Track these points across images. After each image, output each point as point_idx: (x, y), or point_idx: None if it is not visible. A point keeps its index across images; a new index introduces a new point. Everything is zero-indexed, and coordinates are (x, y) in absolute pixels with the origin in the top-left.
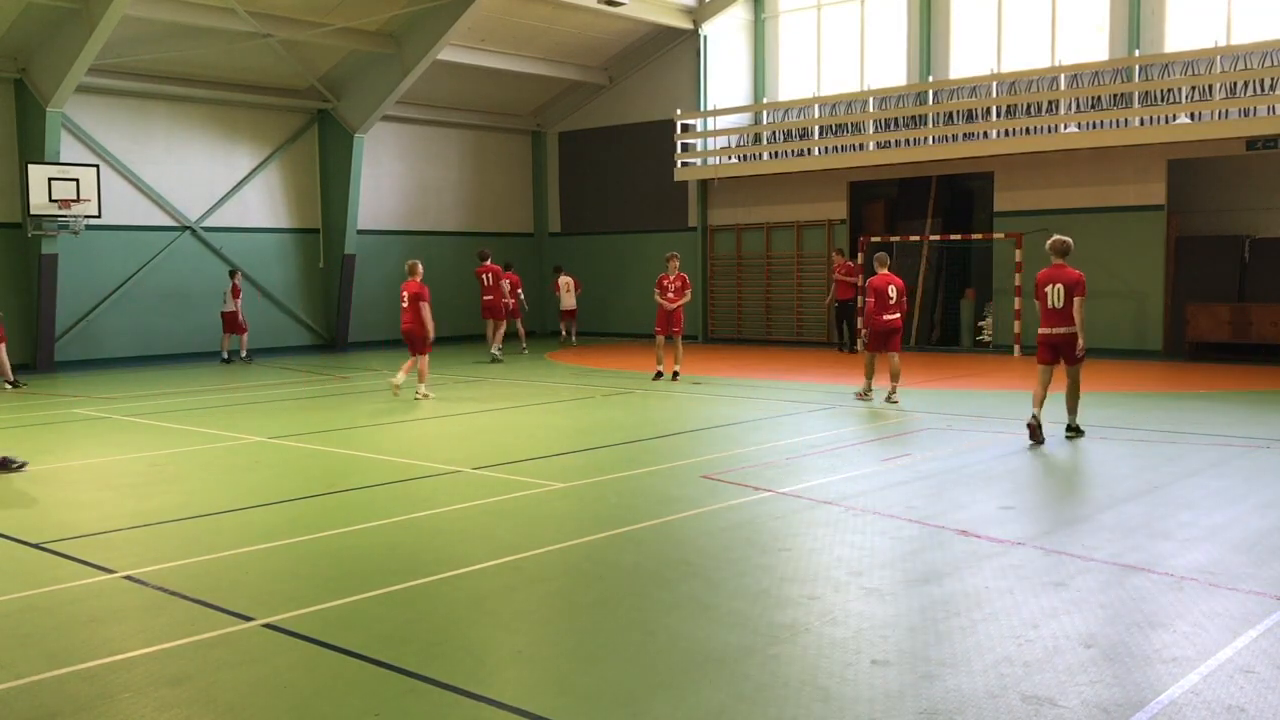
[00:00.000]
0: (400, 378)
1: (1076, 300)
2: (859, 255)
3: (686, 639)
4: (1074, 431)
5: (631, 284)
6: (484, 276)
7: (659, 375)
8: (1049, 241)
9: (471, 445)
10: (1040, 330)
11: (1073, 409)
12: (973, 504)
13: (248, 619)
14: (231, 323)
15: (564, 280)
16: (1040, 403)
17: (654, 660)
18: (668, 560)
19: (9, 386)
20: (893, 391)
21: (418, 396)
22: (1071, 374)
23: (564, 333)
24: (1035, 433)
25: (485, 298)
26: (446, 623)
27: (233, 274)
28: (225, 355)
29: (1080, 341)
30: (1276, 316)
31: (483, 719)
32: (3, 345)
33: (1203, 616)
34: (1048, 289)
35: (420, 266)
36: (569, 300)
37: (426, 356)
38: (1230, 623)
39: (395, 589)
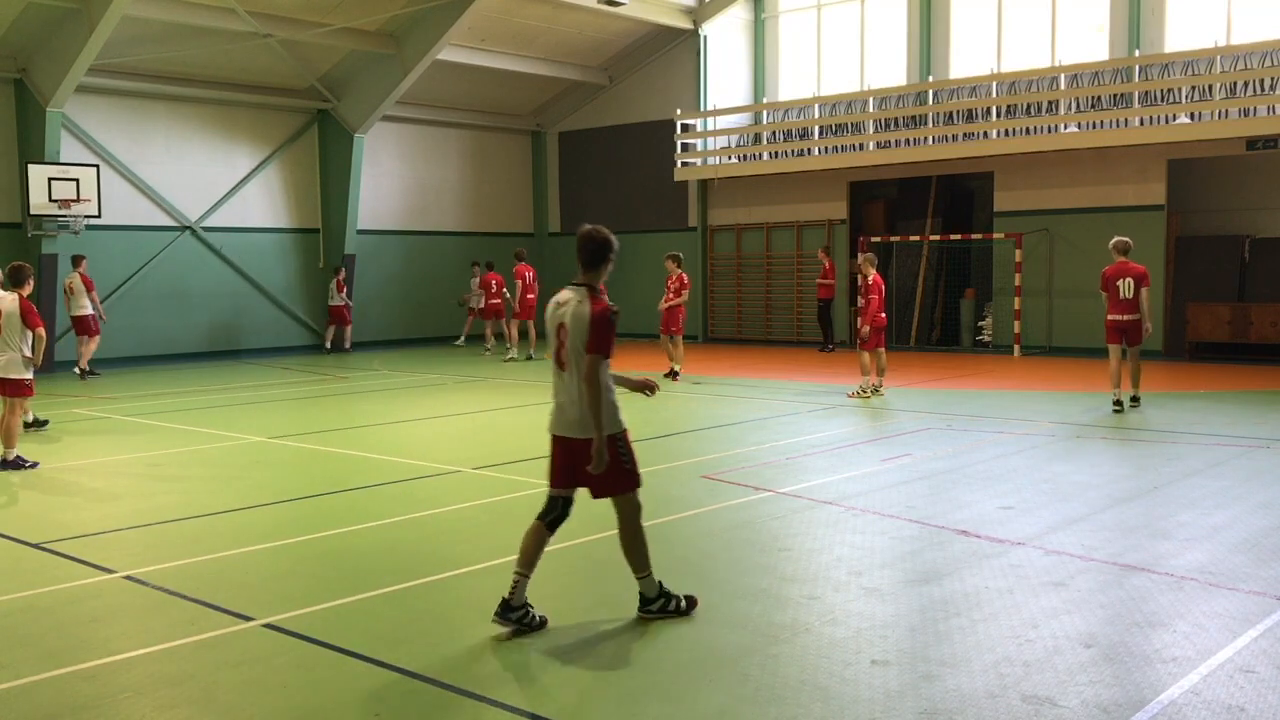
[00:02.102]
0: None
1: (1144, 291)
2: (858, 254)
3: (686, 639)
4: (1136, 402)
5: (631, 284)
6: (526, 275)
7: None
8: (1114, 242)
9: (471, 445)
10: (1110, 317)
11: (1137, 383)
12: (973, 504)
13: (248, 619)
14: (337, 316)
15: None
16: (1118, 379)
17: (654, 660)
18: (668, 560)
19: (77, 372)
20: (880, 385)
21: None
22: (1134, 354)
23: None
24: (1121, 405)
25: (529, 297)
26: (447, 622)
27: (337, 270)
28: (328, 345)
29: (1147, 325)
30: (1276, 316)
31: (483, 719)
32: (96, 337)
33: (1203, 616)
34: (1119, 282)
35: None
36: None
37: None
38: (1230, 623)
39: (395, 589)
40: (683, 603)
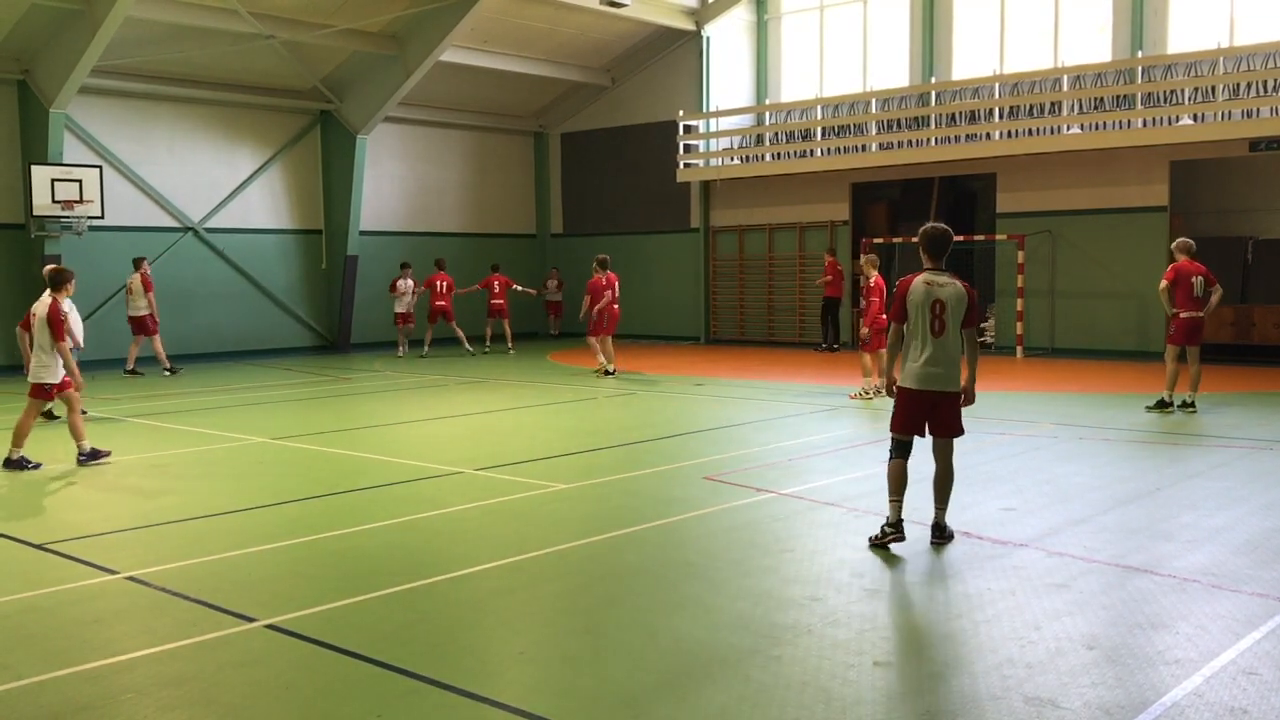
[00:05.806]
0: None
1: (1218, 289)
2: (861, 255)
3: (689, 640)
4: (1192, 406)
5: (633, 285)
6: (436, 284)
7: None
8: (1183, 242)
9: (473, 446)
10: (1184, 315)
11: (1197, 385)
12: (974, 505)
13: (250, 620)
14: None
15: (408, 283)
16: (1175, 381)
17: (656, 661)
18: (670, 561)
19: (167, 373)
20: (881, 386)
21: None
22: (1195, 354)
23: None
24: (1171, 406)
25: (495, 301)
26: (449, 623)
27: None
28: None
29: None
30: (1279, 318)
31: (484, 719)
32: (156, 336)
33: (1205, 618)
34: (1194, 280)
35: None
36: (404, 304)
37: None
38: (1233, 624)
39: (397, 590)
40: (950, 532)
